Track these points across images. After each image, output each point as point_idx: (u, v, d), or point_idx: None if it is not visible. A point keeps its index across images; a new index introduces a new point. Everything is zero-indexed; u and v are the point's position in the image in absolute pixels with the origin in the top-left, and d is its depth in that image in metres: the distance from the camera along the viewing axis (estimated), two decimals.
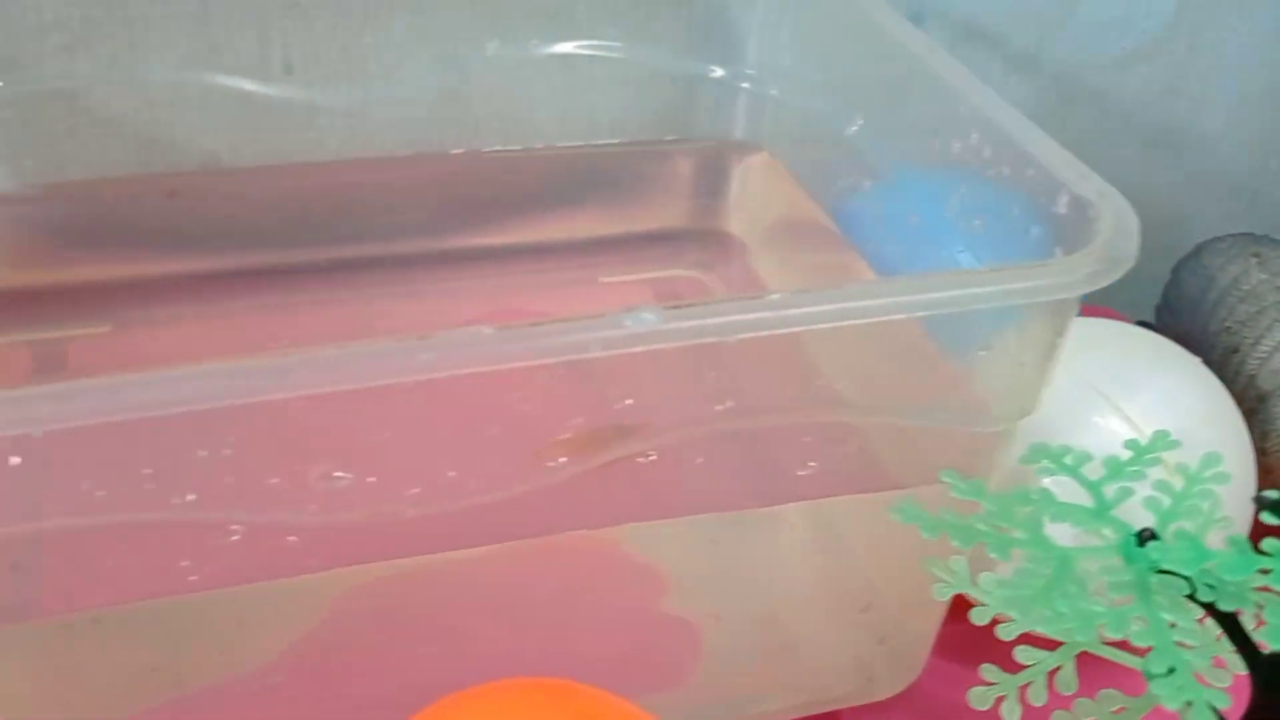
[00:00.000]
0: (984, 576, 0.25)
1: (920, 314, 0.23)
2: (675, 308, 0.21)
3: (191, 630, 0.27)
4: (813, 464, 0.26)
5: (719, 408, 0.23)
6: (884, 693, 0.32)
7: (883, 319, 0.22)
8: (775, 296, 0.21)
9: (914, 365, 0.27)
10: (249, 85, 0.38)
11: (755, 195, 0.41)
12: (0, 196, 0.37)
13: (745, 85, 0.40)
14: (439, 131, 0.40)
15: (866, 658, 0.33)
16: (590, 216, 0.42)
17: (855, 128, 0.34)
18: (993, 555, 0.24)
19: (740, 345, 0.22)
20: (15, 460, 0.19)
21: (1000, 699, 0.26)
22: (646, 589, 0.31)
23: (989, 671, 0.26)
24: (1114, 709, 0.25)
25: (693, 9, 0.40)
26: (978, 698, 0.26)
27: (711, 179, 0.41)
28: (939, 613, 0.32)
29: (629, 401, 0.22)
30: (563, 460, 0.23)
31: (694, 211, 0.42)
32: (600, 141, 0.42)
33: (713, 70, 0.40)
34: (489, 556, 0.27)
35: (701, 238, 0.42)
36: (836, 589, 0.32)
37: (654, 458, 0.24)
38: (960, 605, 0.27)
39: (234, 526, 0.22)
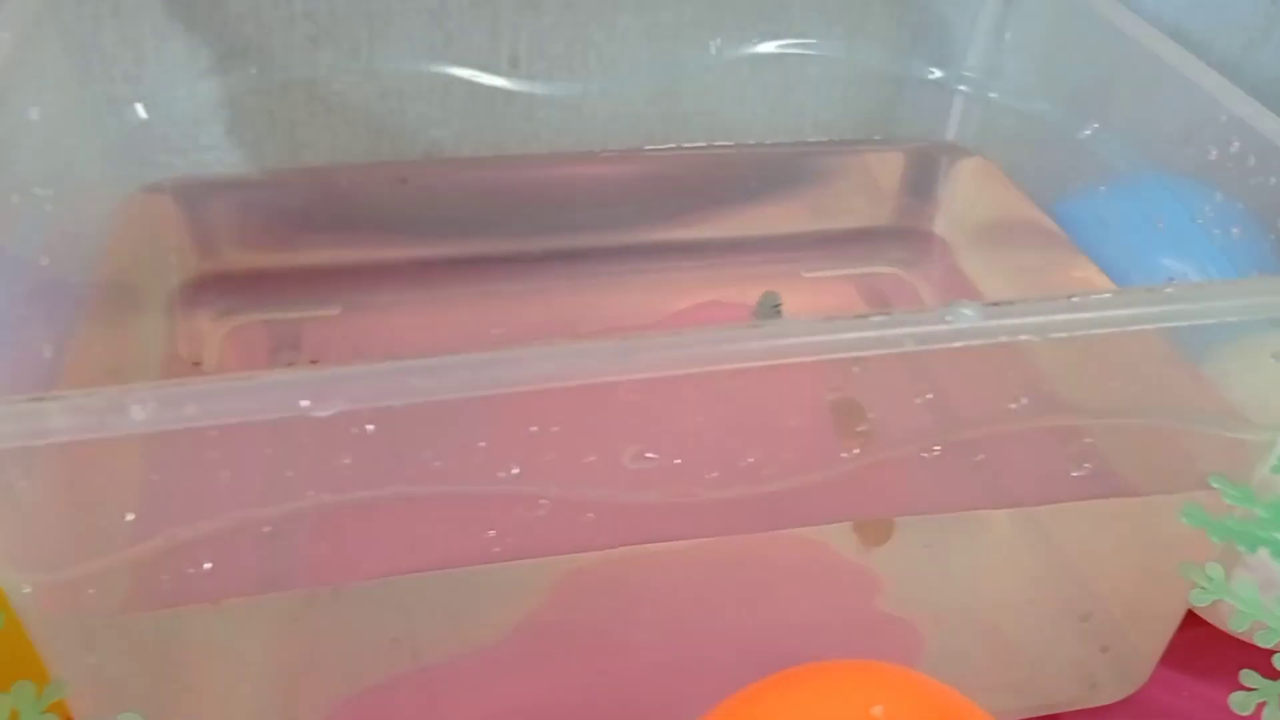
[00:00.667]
0: (1239, 582, 0.25)
1: (1212, 321, 0.23)
2: (992, 305, 0.21)
3: (429, 605, 0.28)
4: (1087, 465, 0.26)
5: (1013, 406, 0.24)
6: (1108, 698, 0.33)
7: (1179, 324, 0.23)
8: (1095, 297, 0.21)
9: (1175, 370, 0.27)
10: (477, 77, 0.39)
11: (964, 196, 0.41)
12: (240, 181, 0.39)
13: (962, 88, 0.40)
14: (650, 126, 0.41)
15: (1089, 665, 0.33)
16: (794, 212, 0.42)
17: (1089, 131, 0.34)
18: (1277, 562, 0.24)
19: (1028, 345, 0.22)
20: (369, 428, 0.20)
21: (1262, 705, 0.26)
22: (861, 587, 0.31)
23: (1249, 677, 0.26)
24: None
25: (908, 11, 0.40)
26: (1239, 703, 0.26)
27: (919, 179, 0.42)
28: (1170, 623, 0.32)
29: (929, 396, 0.23)
30: (856, 452, 0.23)
31: (898, 210, 0.42)
32: (807, 139, 0.42)
33: (930, 72, 0.40)
34: (710, 547, 0.28)
35: (905, 236, 0.42)
36: (1052, 596, 0.32)
37: (938, 451, 0.24)
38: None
39: (543, 501, 0.23)
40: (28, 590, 0.22)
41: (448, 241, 0.40)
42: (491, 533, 0.24)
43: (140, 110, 0.36)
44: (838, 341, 0.21)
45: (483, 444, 0.21)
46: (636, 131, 0.41)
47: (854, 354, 0.21)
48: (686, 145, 0.41)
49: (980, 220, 0.41)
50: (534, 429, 0.22)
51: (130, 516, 0.21)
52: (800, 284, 0.42)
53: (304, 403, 0.19)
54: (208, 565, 0.23)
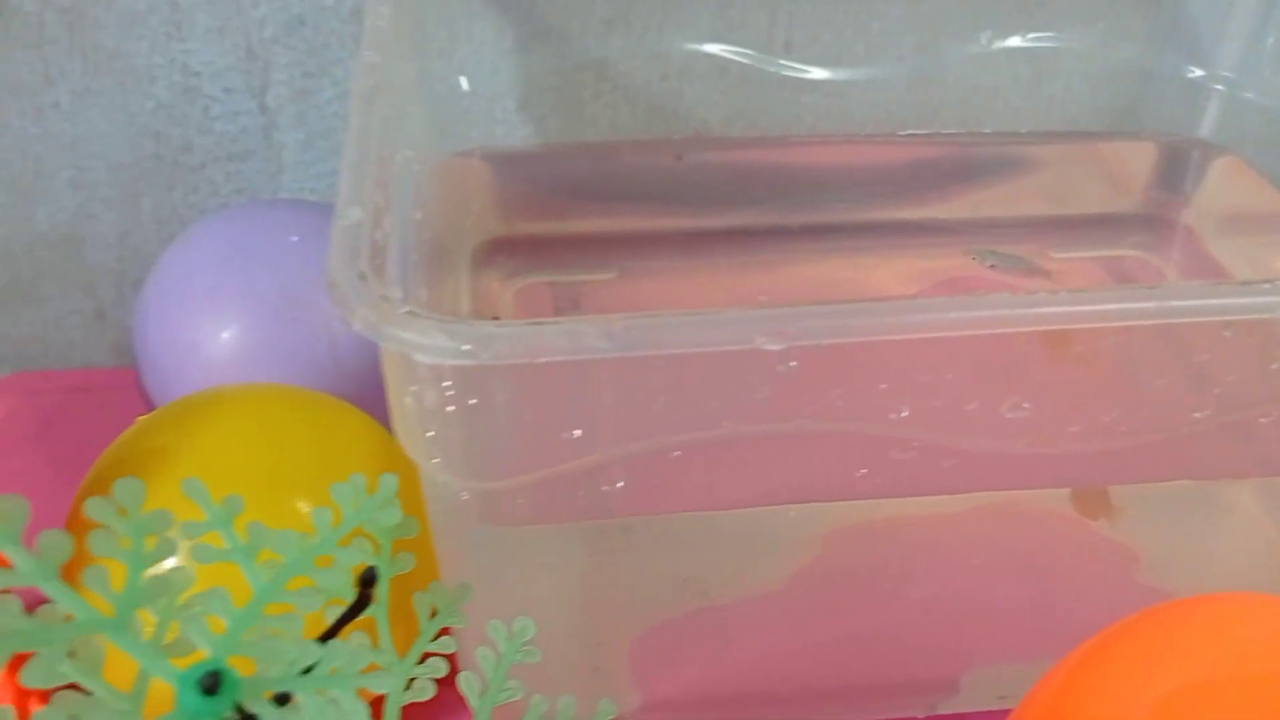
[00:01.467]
0: None
1: None
2: None
3: (718, 549, 0.31)
4: None
5: None
6: None
7: None
8: None
9: None
10: (752, 60, 0.42)
11: (1214, 188, 0.42)
12: (532, 152, 0.42)
13: (1218, 86, 0.41)
14: (906, 112, 0.43)
15: None
16: (1043, 197, 0.44)
17: None
18: None
19: None
20: (793, 364, 0.23)
21: None
22: (1123, 559, 0.33)
23: None
24: None
25: (1161, 8, 0.42)
26: None
27: (1168, 170, 0.43)
28: None
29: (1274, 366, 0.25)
30: (1207, 413, 0.25)
31: (1146, 199, 0.44)
32: (1056, 130, 0.44)
33: (1184, 69, 0.42)
34: (980, 514, 0.30)
35: (1151, 223, 0.43)
36: None
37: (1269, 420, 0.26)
38: None
39: (915, 444, 0.25)
40: (465, 497, 0.25)
41: (714, 214, 0.43)
42: (862, 471, 0.26)
43: (463, 83, 0.39)
44: (1223, 305, 0.23)
45: (884, 386, 0.24)
46: (894, 116, 0.43)
47: (1231, 317, 0.23)
48: (942, 132, 0.43)
49: (1230, 212, 0.42)
50: (926, 378, 0.24)
51: (577, 433, 0.24)
52: (1050, 264, 0.43)
53: (760, 338, 0.22)
54: (620, 484, 0.25)
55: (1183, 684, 0.20)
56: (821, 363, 0.23)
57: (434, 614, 0.26)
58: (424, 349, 0.21)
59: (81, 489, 0.30)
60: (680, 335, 0.22)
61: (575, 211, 0.42)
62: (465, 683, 0.25)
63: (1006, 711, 0.25)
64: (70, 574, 0.18)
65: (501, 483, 0.25)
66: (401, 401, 0.23)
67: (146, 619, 0.18)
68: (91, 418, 0.42)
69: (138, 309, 0.36)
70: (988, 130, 0.44)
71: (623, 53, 0.41)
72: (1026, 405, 0.25)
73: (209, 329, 0.33)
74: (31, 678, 0.17)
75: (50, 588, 0.18)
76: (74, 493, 0.30)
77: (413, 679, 0.24)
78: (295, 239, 0.34)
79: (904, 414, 0.24)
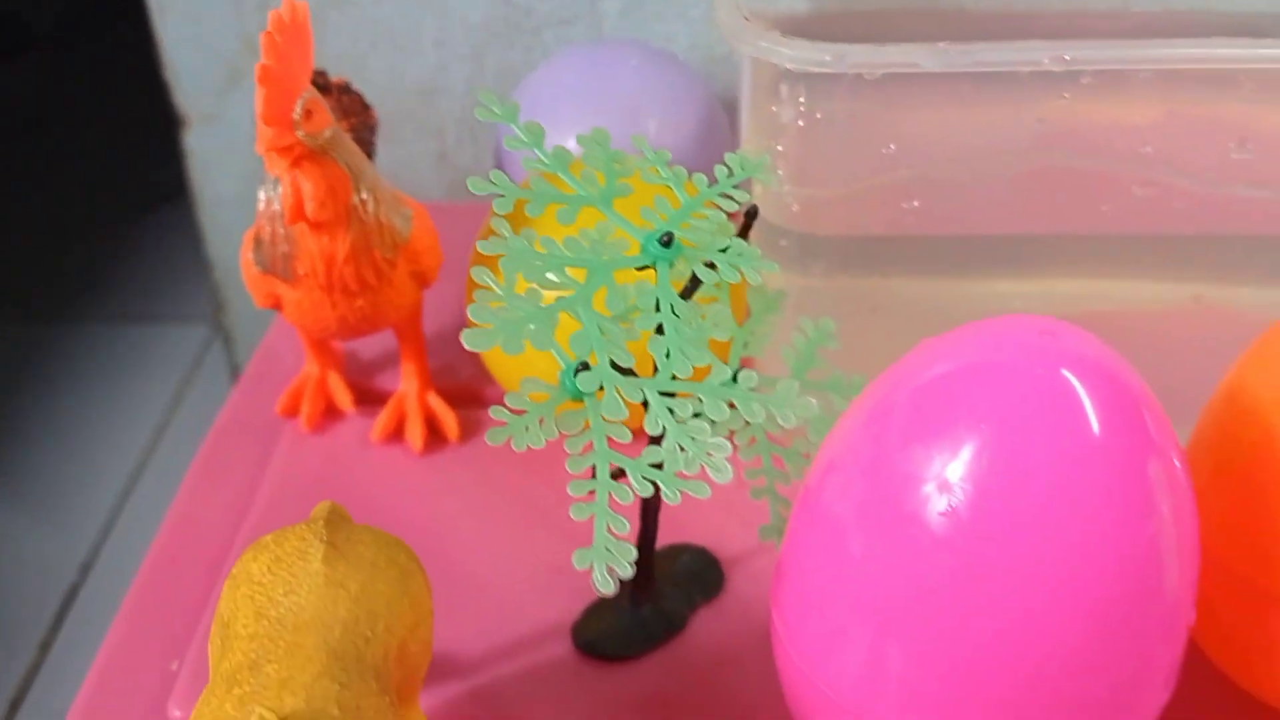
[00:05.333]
0: None
1: None
2: None
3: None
4: None
5: None
6: None
7: None
8: None
9: None
10: None
11: None
12: None
13: None
14: None
15: None
16: None
17: None
18: None
19: None
20: (1065, 96, 0.30)
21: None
22: None
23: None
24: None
25: None
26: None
27: None
28: None
29: None
30: None
31: None
32: None
33: None
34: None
35: None
36: None
37: None
38: None
39: (1152, 183, 0.32)
40: (796, 208, 0.33)
41: None
42: (1105, 207, 0.33)
43: None
44: None
45: (1135, 121, 0.31)
46: None
47: None
48: None
49: None
50: (1173, 113, 0.31)
51: (892, 147, 0.31)
52: None
53: (1046, 60, 0.29)
54: (915, 203, 0.33)
55: None
56: (1093, 96, 0.30)
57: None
58: (793, 59, 0.29)
59: None
60: (989, 55, 0.29)
61: None
62: (788, 352, 0.33)
63: None
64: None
65: (825, 191, 0.32)
66: (759, 120, 0.32)
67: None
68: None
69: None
70: None
71: None
72: (1251, 147, 0.31)
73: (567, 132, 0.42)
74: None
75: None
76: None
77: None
78: (634, 63, 0.43)
79: (1146, 150, 0.31)
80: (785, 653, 0.26)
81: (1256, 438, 0.27)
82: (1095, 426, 0.23)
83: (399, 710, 0.23)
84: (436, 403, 0.40)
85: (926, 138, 0.32)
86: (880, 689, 0.24)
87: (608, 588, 0.24)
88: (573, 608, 0.34)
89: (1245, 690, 0.30)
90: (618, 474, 0.26)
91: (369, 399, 0.42)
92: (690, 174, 0.28)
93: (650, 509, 0.32)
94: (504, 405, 0.26)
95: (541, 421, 0.26)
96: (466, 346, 0.24)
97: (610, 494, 0.25)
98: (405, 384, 0.40)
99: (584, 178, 0.27)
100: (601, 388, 0.26)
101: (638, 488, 0.25)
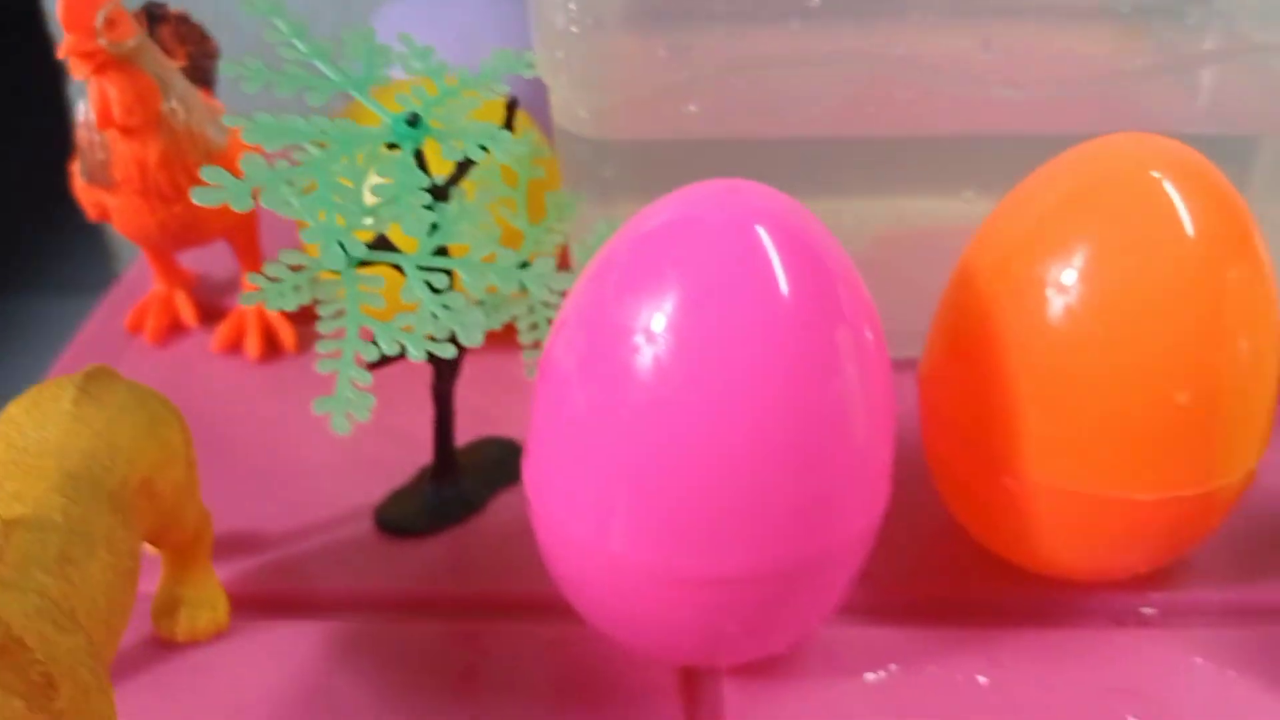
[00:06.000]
0: None
1: None
2: None
3: None
4: None
5: None
6: None
7: None
8: None
9: None
10: None
11: None
12: None
13: None
14: None
15: None
16: None
17: None
18: None
19: None
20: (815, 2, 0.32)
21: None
22: None
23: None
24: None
25: None
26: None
27: None
28: None
29: None
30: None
31: None
32: None
33: None
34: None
35: None
36: None
37: None
38: None
39: (915, 86, 0.34)
40: (584, 115, 0.35)
41: None
42: (870, 109, 0.35)
43: None
44: None
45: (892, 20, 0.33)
46: None
47: None
48: None
49: None
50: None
51: (663, 52, 0.33)
52: None
53: None
54: (693, 108, 0.35)
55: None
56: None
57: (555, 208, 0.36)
58: None
59: None
60: None
61: None
62: (579, 246, 0.35)
63: None
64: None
65: (609, 97, 0.34)
66: (541, 32, 0.34)
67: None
68: None
69: None
70: None
71: None
72: (996, 47, 0.33)
73: None
74: None
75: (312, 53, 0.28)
76: None
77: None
78: None
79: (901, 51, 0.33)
80: (531, 504, 0.28)
81: (977, 306, 0.30)
82: (782, 283, 0.25)
83: (136, 534, 0.25)
84: (274, 316, 0.42)
85: (699, 42, 0.34)
86: (610, 524, 0.26)
87: (345, 430, 0.26)
88: (383, 495, 0.36)
89: (996, 554, 0.32)
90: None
91: (217, 316, 0.44)
92: (455, 69, 0.31)
93: (442, 394, 0.34)
94: (261, 273, 0.28)
95: (298, 288, 0.28)
96: (195, 201, 0.26)
97: (357, 352, 0.27)
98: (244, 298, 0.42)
99: (346, 67, 0.29)
100: (363, 262, 0.28)
101: (385, 347, 0.28)
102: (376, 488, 0.36)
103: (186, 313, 0.43)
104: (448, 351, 0.28)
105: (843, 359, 0.26)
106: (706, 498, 0.25)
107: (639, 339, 0.25)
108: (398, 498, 0.36)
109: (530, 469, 0.28)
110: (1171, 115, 0.39)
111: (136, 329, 0.43)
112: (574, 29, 0.33)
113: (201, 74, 0.41)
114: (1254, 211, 0.43)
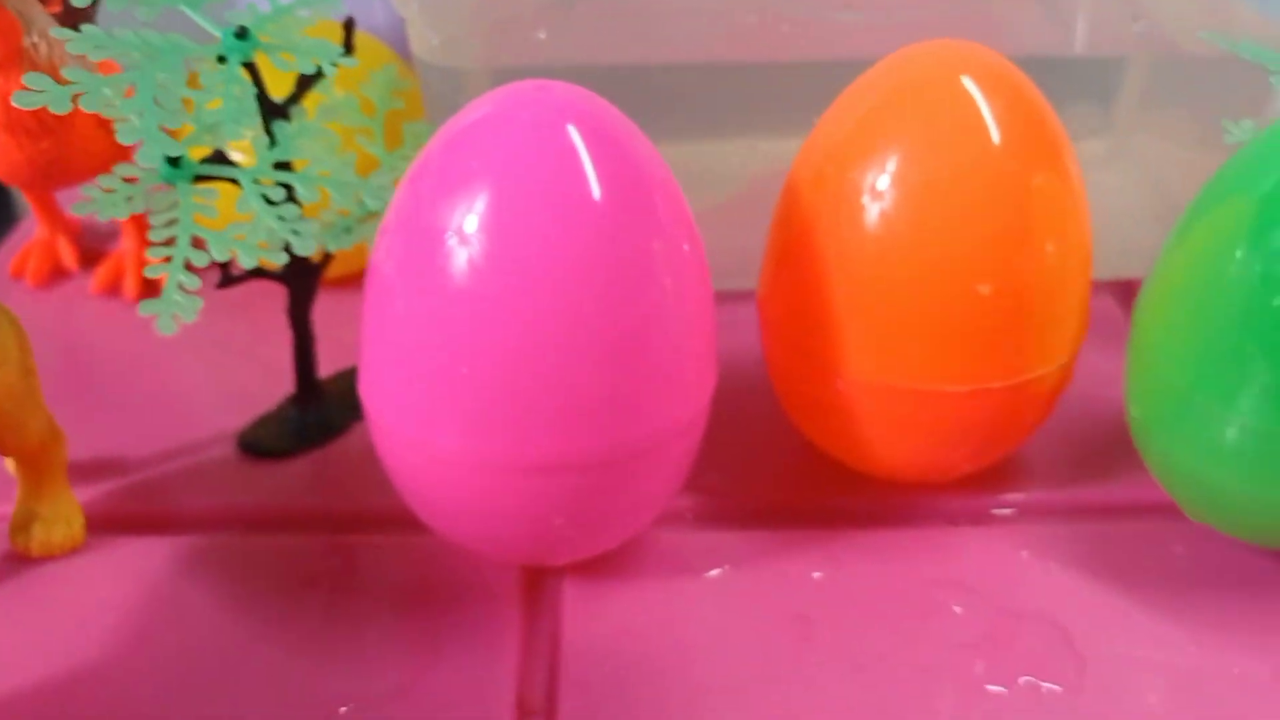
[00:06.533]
0: None
1: None
2: None
3: None
4: None
5: None
6: None
7: None
8: None
9: None
10: None
11: None
12: None
13: None
14: None
15: None
16: None
17: None
18: None
19: None
20: None
21: None
22: None
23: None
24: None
25: None
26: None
27: None
28: None
29: None
30: None
31: None
32: None
33: None
34: None
35: None
36: None
37: None
38: None
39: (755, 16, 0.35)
40: (436, 42, 0.36)
41: None
42: (717, 36, 0.36)
43: None
44: None
45: None
46: None
47: None
48: None
49: None
50: None
51: None
52: None
53: None
54: (542, 34, 0.36)
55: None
56: None
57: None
58: None
59: None
60: None
61: None
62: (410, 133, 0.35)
63: None
64: None
65: (458, 25, 0.35)
66: None
67: None
68: None
69: None
70: None
71: None
72: None
73: None
74: None
75: None
76: None
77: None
78: None
79: None
80: (366, 409, 0.29)
81: (799, 218, 0.31)
82: (591, 178, 0.26)
83: None
84: None
85: None
86: (435, 420, 0.27)
87: (170, 330, 0.27)
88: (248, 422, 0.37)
89: (836, 460, 0.34)
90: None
91: (100, 261, 0.45)
92: None
93: (298, 318, 0.34)
94: (95, 184, 0.29)
95: (130, 199, 0.28)
96: (14, 104, 0.26)
97: (187, 259, 0.28)
98: (125, 241, 0.43)
99: None
100: (198, 177, 0.29)
101: (216, 254, 0.28)
102: (243, 415, 0.37)
103: (68, 257, 0.44)
104: (280, 259, 0.29)
105: (652, 257, 0.27)
106: (520, 390, 0.26)
107: (452, 240, 0.26)
108: (261, 422, 0.36)
109: (363, 376, 0.29)
110: (1029, 37, 0.40)
111: (19, 273, 0.44)
112: None
113: (81, 16, 0.41)
114: (1120, 134, 0.45)
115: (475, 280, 0.26)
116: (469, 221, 0.26)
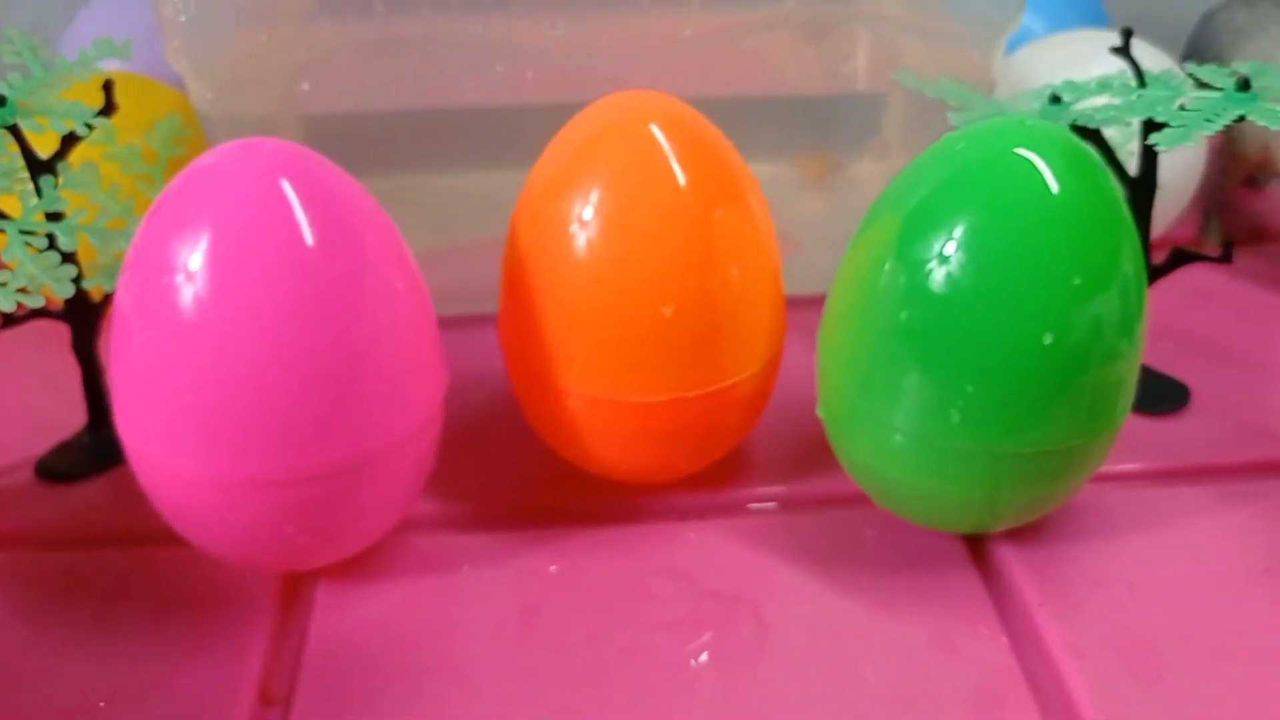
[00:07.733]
0: None
1: None
2: None
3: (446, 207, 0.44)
4: None
5: None
6: None
7: None
8: None
9: None
10: None
11: None
12: None
13: None
14: None
15: None
16: None
17: None
18: None
19: None
20: None
21: None
22: None
23: None
24: None
25: None
26: None
27: None
28: None
29: None
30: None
31: None
32: None
33: None
34: None
35: None
36: None
37: None
38: None
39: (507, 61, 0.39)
40: (210, 96, 0.39)
41: None
42: (469, 83, 0.40)
43: None
44: None
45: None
46: None
47: None
48: None
49: None
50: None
51: (264, 38, 0.37)
52: None
53: None
54: (306, 86, 0.39)
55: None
56: None
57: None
58: None
59: None
60: None
61: None
62: None
63: None
64: None
65: (224, 79, 0.39)
66: (162, 23, 0.38)
67: None
68: None
69: None
70: None
71: None
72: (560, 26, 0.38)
73: None
74: None
75: None
76: None
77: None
78: None
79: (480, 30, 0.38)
80: (120, 438, 0.32)
81: (517, 248, 0.34)
82: (307, 235, 0.29)
83: None
84: None
85: (299, 30, 0.38)
86: (173, 442, 0.30)
87: None
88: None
89: (572, 464, 0.37)
90: None
91: None
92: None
93: (81, 351, 0.38)
94: None
95: None
96: None
97: None
98: None
99: None
100: None
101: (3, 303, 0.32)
102: (46, 442, 0.40)
103: None
104: (36, 301, 0.32)
105: (362, 291, 0.30)
106: (241, 413, 0.30)
107: (179, 278, 0.29)
108: (59, 448, 0.39)
109: (114, 403, 0.32)
110: (784, 76, 0.44)
111: None
112: (182, 18, 0.37)
113: None
114: (886, 160, 0.49)
115: (199, 316, 0.29)
116: (193, 260, 0.29)
